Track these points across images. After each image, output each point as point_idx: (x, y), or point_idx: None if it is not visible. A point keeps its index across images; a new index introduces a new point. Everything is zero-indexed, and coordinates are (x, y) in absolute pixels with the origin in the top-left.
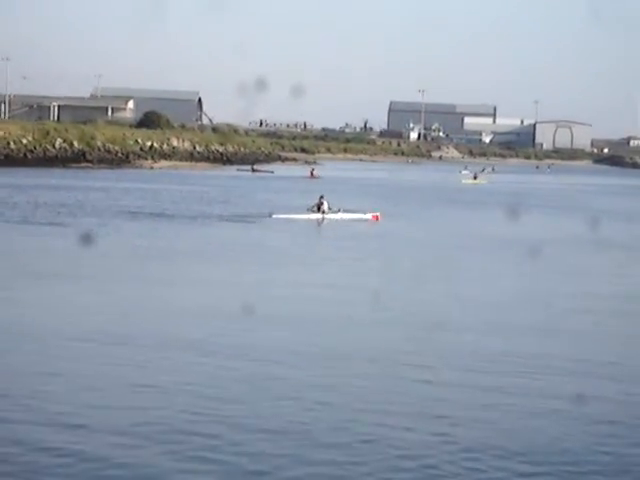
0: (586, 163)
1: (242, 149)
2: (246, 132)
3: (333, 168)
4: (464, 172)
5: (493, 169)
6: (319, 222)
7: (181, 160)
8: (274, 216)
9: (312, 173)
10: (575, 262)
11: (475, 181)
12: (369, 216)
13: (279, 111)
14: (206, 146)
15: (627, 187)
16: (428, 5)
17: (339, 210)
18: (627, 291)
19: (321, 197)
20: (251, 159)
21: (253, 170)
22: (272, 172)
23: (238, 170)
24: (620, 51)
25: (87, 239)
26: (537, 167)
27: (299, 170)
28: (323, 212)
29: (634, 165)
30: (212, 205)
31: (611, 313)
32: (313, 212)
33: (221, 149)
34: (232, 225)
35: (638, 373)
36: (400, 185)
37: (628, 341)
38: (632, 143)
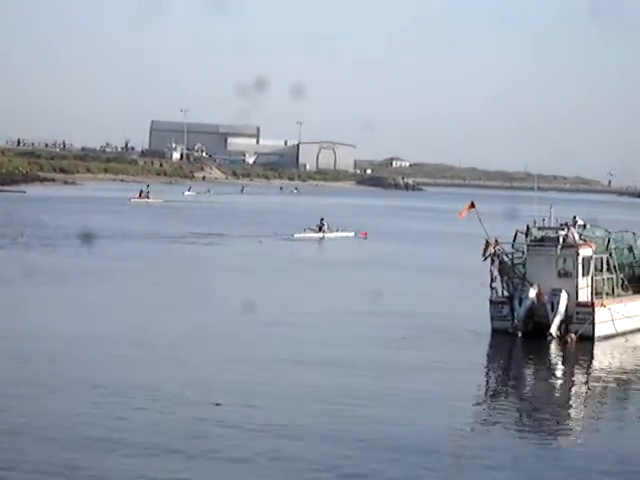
0: (349, 184)
1: None
2: (2, 151)
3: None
4: (187, 193)
5: (243, 190)
6: (320, 240)
7: None
8: (295, 235)
9: (140, 194)
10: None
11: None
12: (352, 234)
13: (37, 129)
14: None
15: (353, 205)
16: (189, 27)
17: (337, 229)
18: None
19: (322, 219)
20: (7, 180)
21: None
22: (24, 192)
23: None
24: (386, 72)
25: None
26: (281, 188)
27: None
28: (323, 231)
29: (396, 186)
30: None
31: None
32: (315, 232)
33: None
34: None
35: None
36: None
37: None
38: (395, 164)
